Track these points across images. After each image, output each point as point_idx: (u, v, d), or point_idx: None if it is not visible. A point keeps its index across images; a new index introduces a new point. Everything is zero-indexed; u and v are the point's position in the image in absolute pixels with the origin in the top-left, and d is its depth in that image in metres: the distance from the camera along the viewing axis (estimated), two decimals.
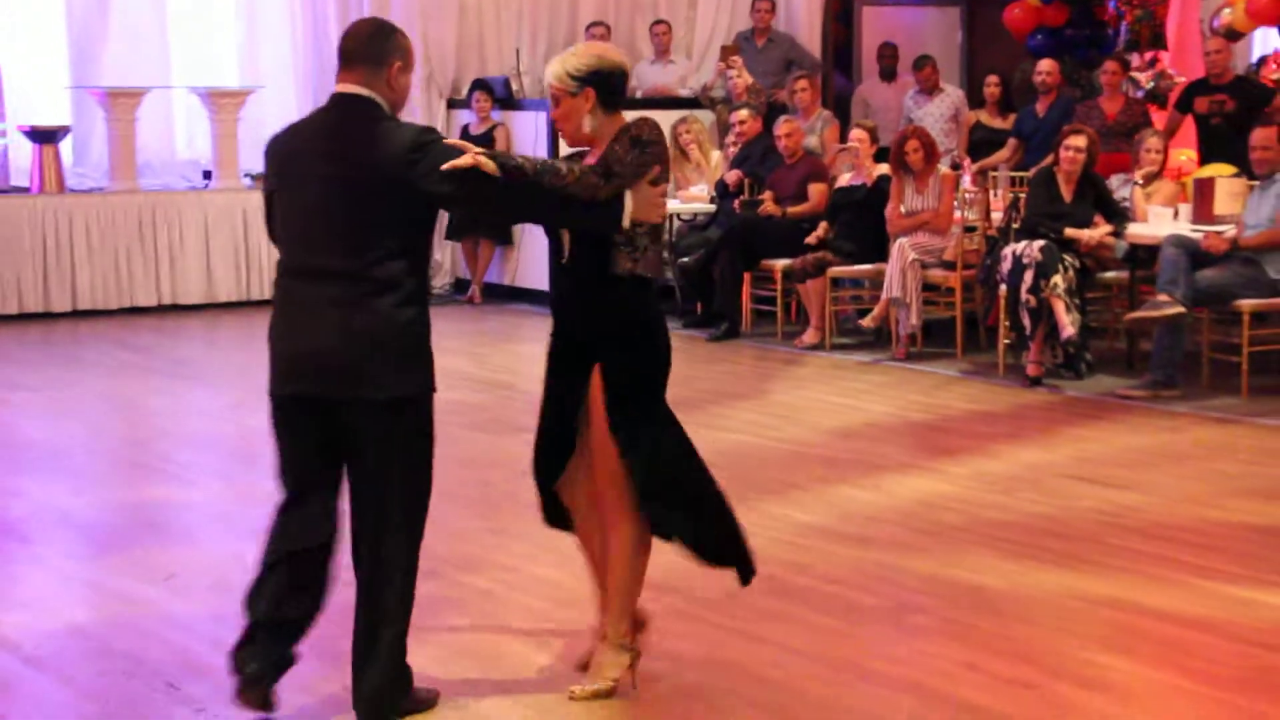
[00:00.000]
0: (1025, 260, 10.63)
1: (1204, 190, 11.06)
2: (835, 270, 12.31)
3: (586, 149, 5.34)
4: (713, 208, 13.67)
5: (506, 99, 15.11)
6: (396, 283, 5.01)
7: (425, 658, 5.55)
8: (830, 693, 5.40)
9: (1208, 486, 8.18)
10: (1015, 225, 11.26)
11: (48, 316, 14.10)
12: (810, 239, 12.38)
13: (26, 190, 14.35)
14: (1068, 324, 10.53)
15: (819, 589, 6.53)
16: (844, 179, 12.75)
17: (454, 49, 15.68)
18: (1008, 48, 15.76)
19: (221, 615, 6.18)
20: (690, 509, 5.52)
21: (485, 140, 14.73)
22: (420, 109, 15.46)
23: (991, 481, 8.28)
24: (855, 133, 12.76)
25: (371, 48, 5.09)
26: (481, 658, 5.73)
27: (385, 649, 5.08)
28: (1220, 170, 11.55)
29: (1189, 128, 12.78)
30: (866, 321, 12.09)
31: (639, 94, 15.50)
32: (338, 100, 5.12)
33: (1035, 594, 6.45)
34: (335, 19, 15.39)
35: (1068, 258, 10.66)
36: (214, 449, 9.46)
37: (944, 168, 12.36)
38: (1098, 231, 10.89)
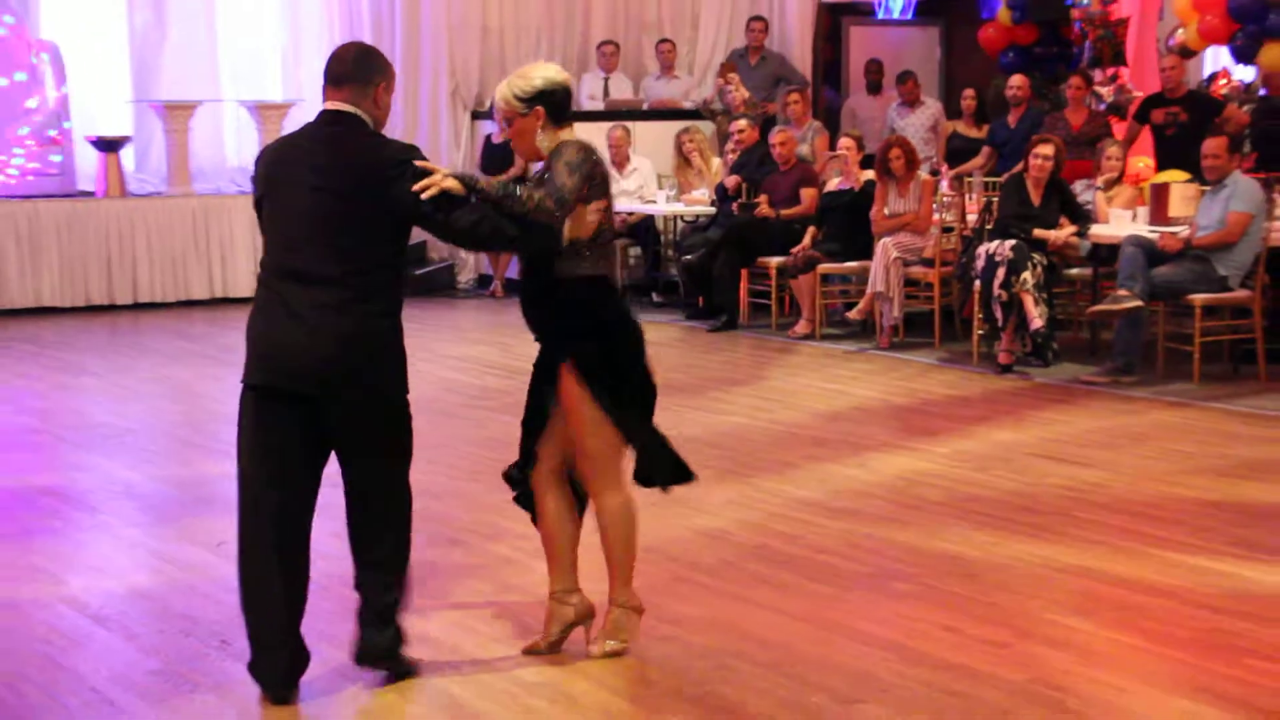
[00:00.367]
0: (997, 258, 10.62)
1: (1160, 195, 11.05)
2: (825, 267, 12.30)
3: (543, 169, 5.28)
4: (713, 210, 13.66)
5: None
6: (377, 291, 4.96)
7: (450, 621, 5.56)
8: (822, 652, 5.39)
9: (1165, 464, 8.17)
10: (988, 226, 11.26)
11: (112, 309, 14.10)
12: (800, 245, 12.35)
13: (93, 194, 14.35)
14: (1036, 316, 10.52)
15: (810, 558, 6.52)
16: (833, 184, 12.74)
17: (478, 65, 15.66)
18: (982, 64, 15.72)
19: None
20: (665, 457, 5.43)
21: (506, 149, 14.71)
22: (447, 120, 15.49)
23: (968, 460, 8.27)
24: (843, 141, 12.76)
25: (358, 69, 5.05)
26: (504, 620, 5.72)
27: (394, 615, 5.12)
28: (1175, 176, 11.53)
29: (1146, 138, 12.76)
30: (853, 314, 12.09)
31: (646, 106, 15.51)
32: (327, 116, 5.05)
33: (1008, 562, 6.44)
34: (369, 39, 15.37)
35: (1036, 256, 10.65)
36: None
37: (924, 174, 12.35)
38: (1063, 232, 10.87)
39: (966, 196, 12.45)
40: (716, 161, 14.30)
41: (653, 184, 14.47)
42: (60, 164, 14.32)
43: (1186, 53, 13.29)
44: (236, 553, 5.05)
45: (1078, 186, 11.69)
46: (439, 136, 15.52)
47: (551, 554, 5.42)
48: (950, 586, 6.12)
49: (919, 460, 8.28)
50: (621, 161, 14.37)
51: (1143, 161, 12.51)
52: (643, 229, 14.33)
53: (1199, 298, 10.15)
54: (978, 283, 10.79)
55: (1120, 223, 11.02)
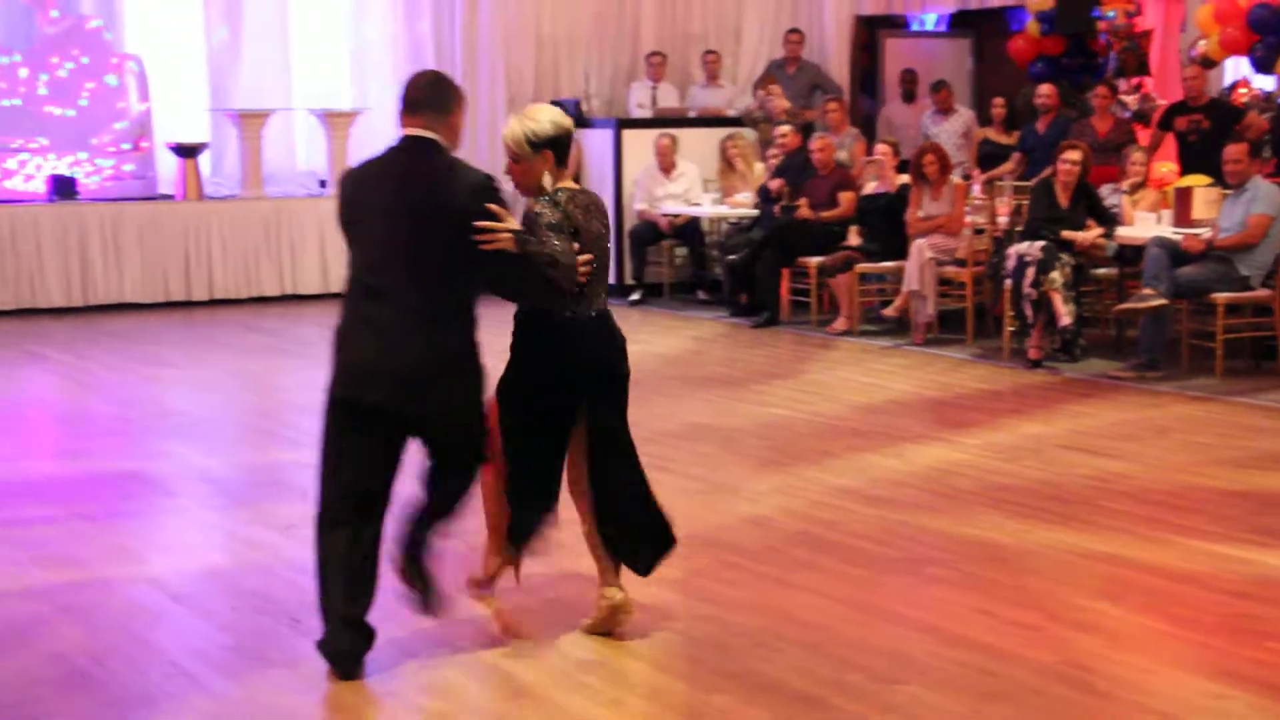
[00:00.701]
0: (1027, 259, 10.55)
1: (1183, 198, 10.96)
2: (862, 266, 12.25)
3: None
4: (755, 212, 13.62)
5: (578, 118, 15.06)
6: (455, 311, 4.98)
7: (506, 601, 5.54)
8: (859, 633, 5.37)
9: (1188, 456, 8.10)
10: (1018, 228, 11.19)
11: (189, 304, 14.16)
12: (846, 243, 12.31)
13: (172, 197, 14.41)
14: (1064, 314, 10.45)
15: (848, 543, 6.49)
16: (870, 188, 12.69)
17: (532, 75, 15.66)
18: (1012, 74, 15.61)
19: None
20: None
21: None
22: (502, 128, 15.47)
23: (999, 451, 8.22)
24: (880, 147, 12.72)
25: (436, 96, 5.07)
26: (557, 600, 5.72)
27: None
28: (1197, 180, 11.43)
29: (1170, 144, 12.66)
30: (889, 311, 12.04)
31: (692, 113, 15.46)
32: (407, 141, 5.05)
33: (1037, 549, 6.40)
34: (431, 50, 15.40)
35: (1064, 256, 10.57)
36: None
37: (956, 178, 12.29)
38: (1090, 234, 10.79)
39: (997, 200, 12.37)
40: (759, 166, 14.26)
41: (698, 188, 14.44)
42: (142, 169, 14.39)
43: (1208, 63, 13.16)
44: (315, 536, 5.05)
45: (1104, 190, 11.59)
46: (495, 144, 15.51)
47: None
48: (983, 571, 6.09)
49: (952, 451, 8.23)
50: (669, 166, 14.35)
51: (1166, 166, 12.41)
52: (689, 230, 14.30)
53: (1221, 296, 10.06)
54: (1008, 282, 10.73)
55: (1145, 225, 10.93)
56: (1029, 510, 6.99)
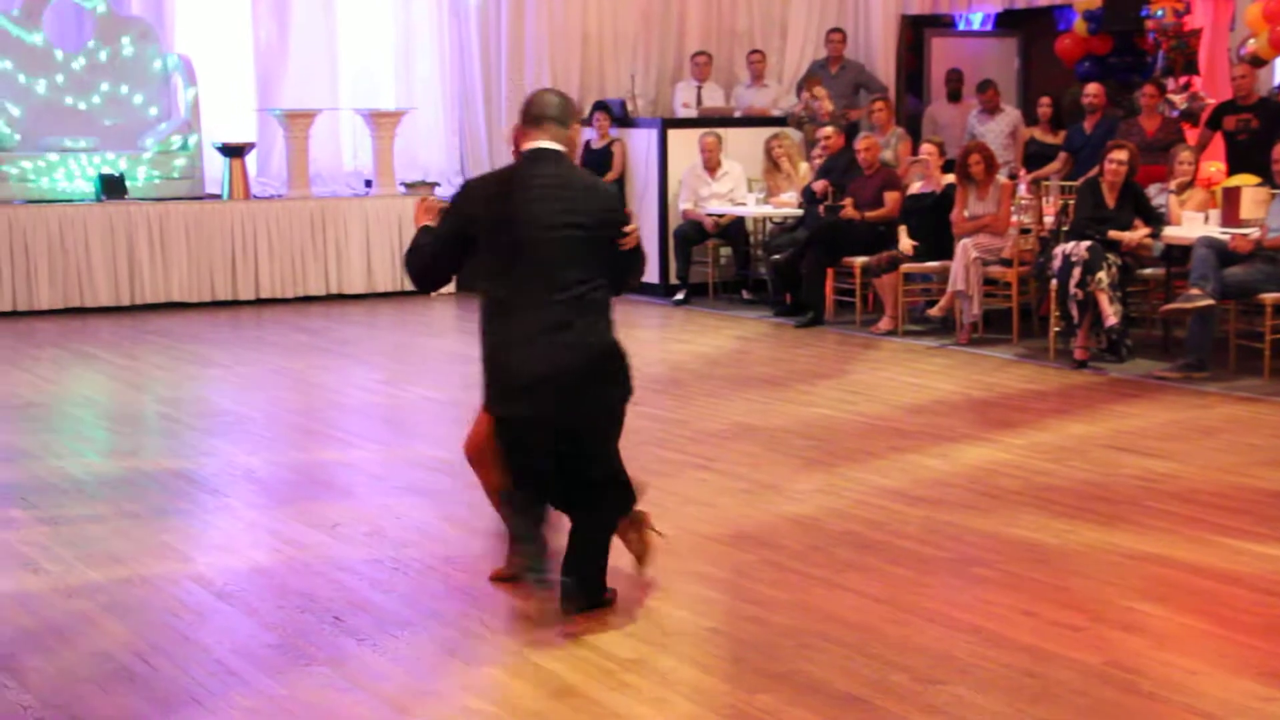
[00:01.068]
0: (1073, 258, 10.50)
1: (1231, 198, 10.88)
2: (907, 266, 12.21)
3: None
4: (800, 212, 13.60)
5: (623, 118, 15.08)
6: (606, 307, 5.33)
7: (547, 599, 5.54)
8: (903, 633, 5.35)
9: (1235, 457, 8.04)
10: (1065, 228, 11.14)
11: (235, 304, 14.25)
12: (898, 245, 12.26)
13: (219, 197, 14.51)
14: (1110, 314, 10.40)
15: (893, 544, 6.47)
16: (915, 187, 12.65)
17: (578, 75, 15.68)
18: (1059, 73, 15.55)
19: (378, 559, 6.24)
20: None
21: (605, 154, 14.73)
22: None
23: (1044, 451, 8.17)
24: (925, 147, 12.67)
25: (561, 112, 5.38)
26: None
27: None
28: (1246, 180, 11.35)
29: (1218, 143, 12.57)
30: (934, 311, 12.00)
31: (737, 113, 15.45)
32: (547, 154, 5.30)
33: (1083, 550, 6.36)
34: (477, 52, 15.46)
35: (1111, 256, 10.52)
36: (371, 417, 9.51)
37: (1002, 178, 12.23)
38: (1137, 233, 10.74)
39: (1043, 199, 12.32)
40: (804, 166, 14.23)
41: (743, 187, 14.43)
42: (189, 169, 14.48)
43: (1257, 61, 13.06)
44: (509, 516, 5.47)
45: (1151, 190, 11.53)
46: None
47: None
48: (1027, 572, 6.05)
49: (997, 451, 8.19)
50: (713, 166, 14.34)
51: (1214, 166, 12.33)
52: (733, 230, 14.28)
53: (1269, 297, 9.98)
54: (1054, 282, 10.68)
55: (1192, 225, 10.86)
56: (1074, 511, 6.95)
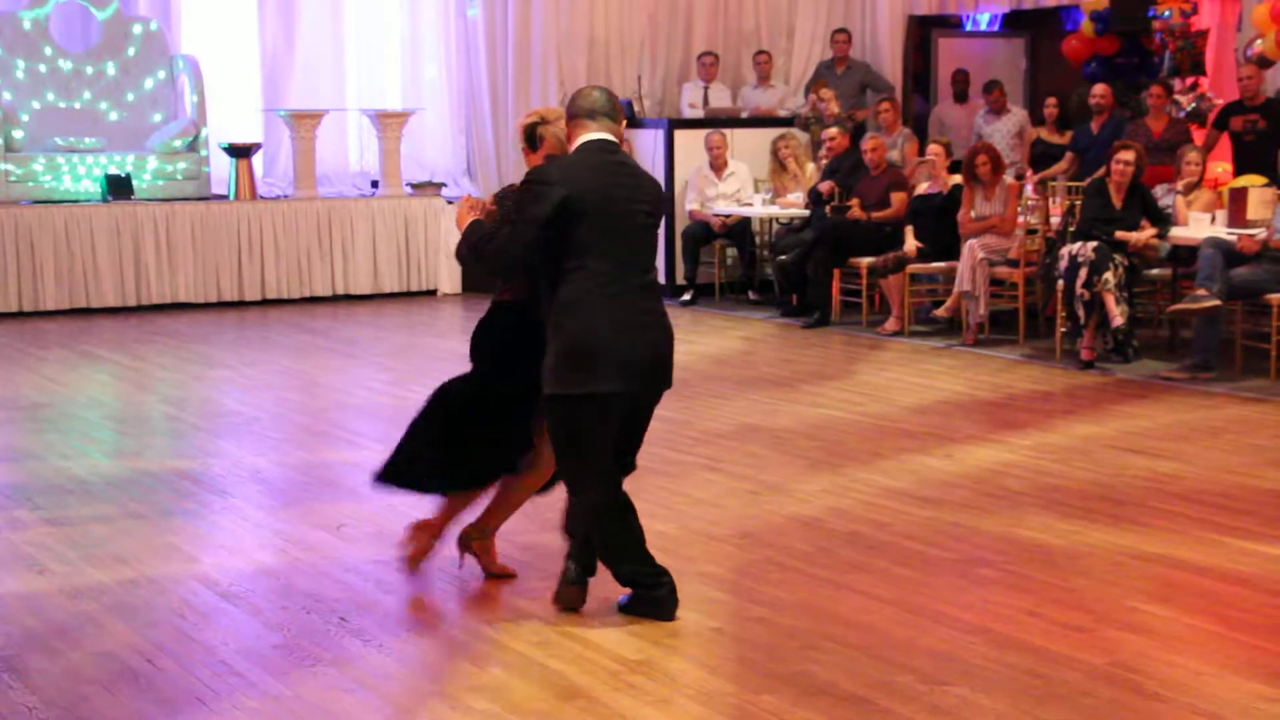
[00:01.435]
0: (1080, 259, 10.50)
1: (1238, 198, 10.86)
2: (913, 267, 12.21)
3: None
4: (807, 213, 13.59)
5: (630, 118, 15.06)
6: (660, 294, 5.56)
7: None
8: (909, 634, 5.35)
9: (1241, 458, 8.03)
10: (1071, 228, 11.13)
11: (241, 304, 14.26)
12: (905, 246, 12.25)
13: (225, 197, 14.52)
14: (1117, 315, 10.39)
15: (899, 544, 6.47)
16: (922, 188, 12.65)
17: (585, 75, 15.66)
18: (1065, 73, 15.54)
19: (383, 560, 6.25)
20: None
21: None
22: None
23: (1050, 452, 8.17)
24: (932, 148, 12.67)
25: (613, 107, 5.54)
26: (607, 600, 5.71)
27: None
28: (1253, 181, 11.33)
29: (1225, 144, 12.56)
30: (940, 312, 11.99)
31: (744, 113, 15.44)
32: (611, 145, 5.48)
33: (1088, 550, 6.36)
34: (484, 52, 15.44)
35: (1117, 257, 10.52)
36: (377, 417, 9.51)
37: (1009, 178, 12.23)
38: (1144, 234, 10.73)
39: (1050, 200, 12.31)
40: (811, 166, 14.24)
41: (749, 188, 14.43)
42: (195, 169, 14.50)
43: (1264, 62, 13.04)
44: (595, 524, 5.47)
45: (1158, 191, 11.52)
46: None
47: None
48: (1033, 573, 6.05)
49: (1003, 452, 8.19)
50: (720, 166, 14.34)
51: (1221, 167, 12.31)
52: (739, 230, 14.28)
53: (1276, 297, 9.97)
54: (1061, 282, 10.67)
55: (1199, 225, 10.84)
56: (1080, 512, 6.95)
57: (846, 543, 6.50)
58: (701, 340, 12.13)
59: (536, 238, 5.28)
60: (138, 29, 14.56)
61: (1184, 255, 10.95)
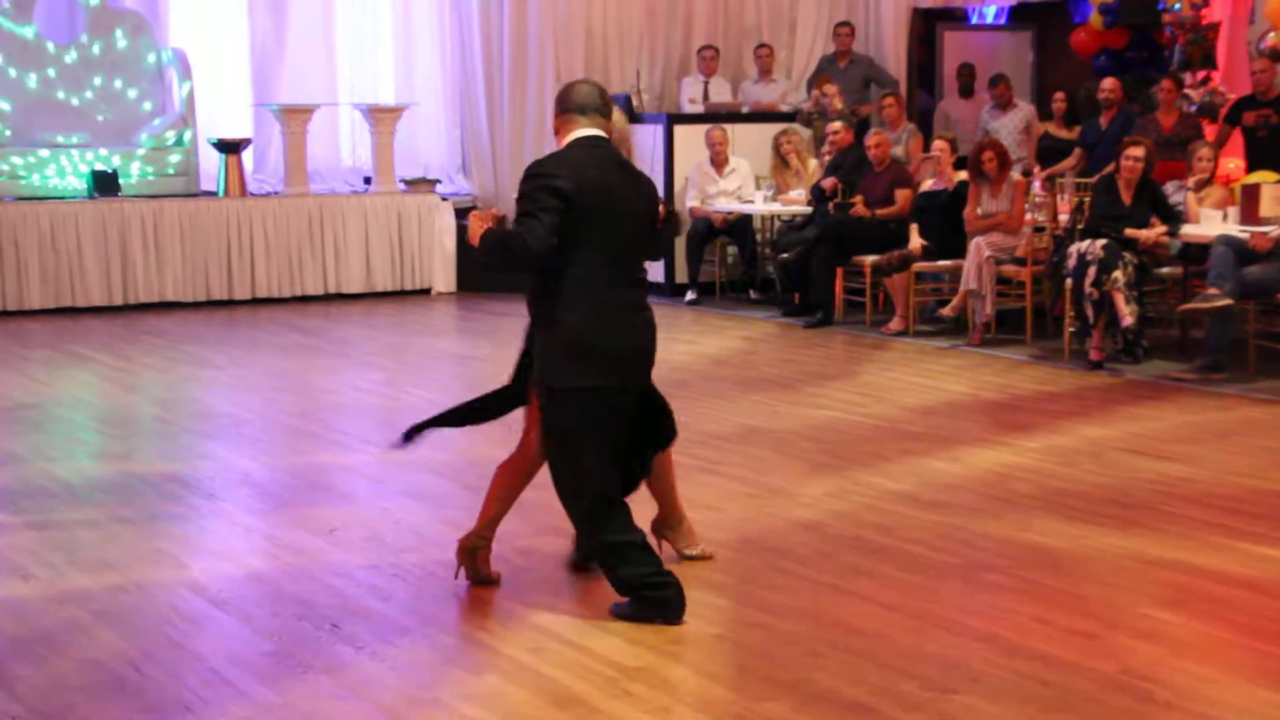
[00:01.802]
0: (1089, 257, 10.50)
1: (1250, 195, 10.86)
2: (919, 265, 12.22)
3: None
4: (810, 210, 13.59)
5: (629, 113, 15.07)
6: (647, 290, 5.71)
7: (552, 607, 5.55)
8: (913, 641, 5.35)
9: (1253, 460, 8.03)
10: (1080, 226, 11.13)
11: (231, 303, 14.26)
12: (909, 245, 12.25)
13: (214, 194, 14.52)
14: (1127, 314, 10.39)
15: (903, 549, 6.47)
16: (927, 185, 12.65)
17: (582, 69, 15.65)
18: (1074, 67, 15.54)
19: (377, 565, 6.25)
20: None
21: None
22: (551, 122, 15.48)
23: (1058, 454, 8.17)
24: (937, 144, 12.67)
25: (604, 103, 5.69)
26: (605, 606, 5.71)
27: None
28: (1265, 177, 11.34)
29: (1237, 139, 12.57)
30: (946, 311, 11.99)
31: (745, 108, 15.44)
32: (603, 140, 5.63)
33: (1096, 555, 6.36)
34: (479, 46, 15.45)
35: (1127, 255, 10.52)
36: (369, 419, 9.52)
37: (1016, 175, 12.23)
38: (1154, 231, 10.73)
39: (1058, 197, 12.32)
40: (813, 163, 14.24)
41: (750, 184, 14.43)
42: (184, 165, 14.49)
43: (1277, 56, 13.05)
44: (602, 522, 5.55)
45: (1169, 187, 11.52)
46: (544, 137, 15.54)
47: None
48: (1040, 578, 6.05)
49: (1010, 454, 8.19)
50: (720, 162, 14.33)
51: (1233, 163, 12.32)
52: (739, 228, 14.28)
53: None
54: (1069, 281, 10.67)
55: (1211, 223, 10.84)
56: (1088, 515, 6.95)
57: (849, 547, 6.50)
58: (701, 340, 12.13)
59: (558, 224, 5.39)
60: (125, 22, 14.55)
61: (1195, 253, 10.95)
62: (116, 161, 14.19)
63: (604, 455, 5.53)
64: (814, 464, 8.00)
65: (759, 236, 14.59)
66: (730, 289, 14.75)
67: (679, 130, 14.78)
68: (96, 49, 14.46)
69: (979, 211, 11.88)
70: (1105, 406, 9.47)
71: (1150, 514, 6.99)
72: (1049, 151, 14.04)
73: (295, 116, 14.62)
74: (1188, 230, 10.87)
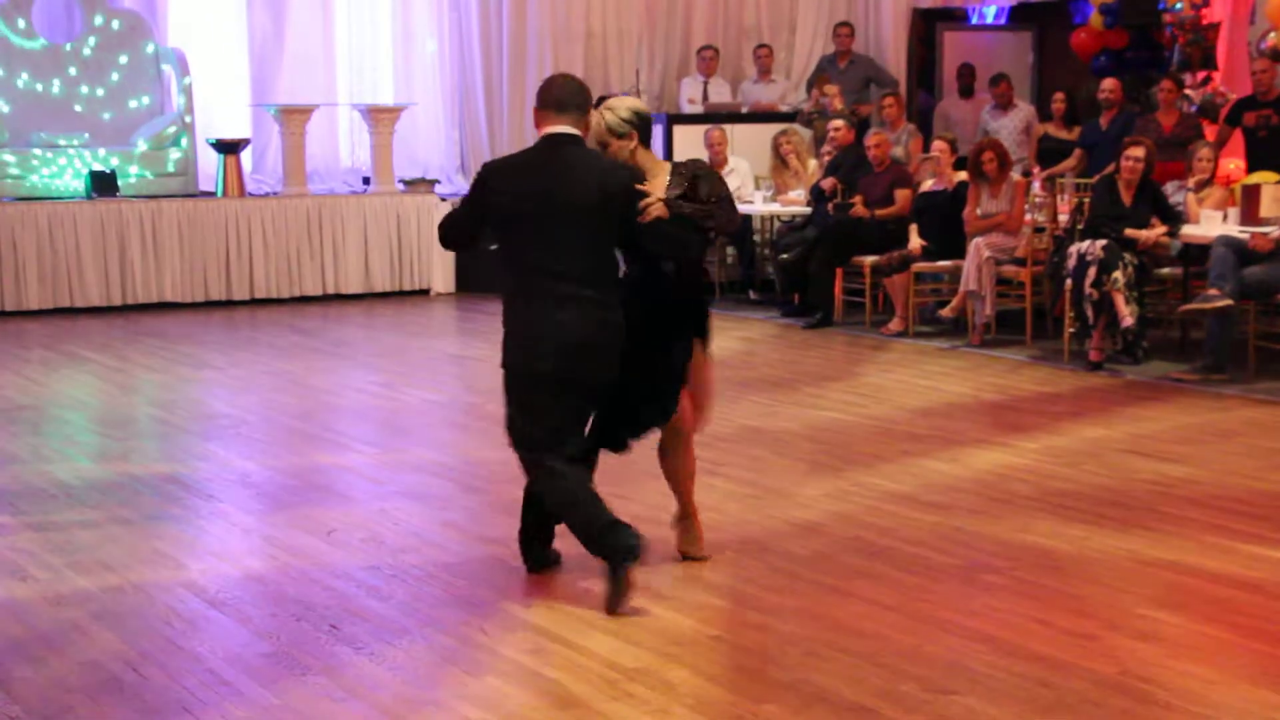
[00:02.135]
0: (1089, 258, 10.50)
1: (1251, 195, 10.86)
2: (918, 266, 12.22)
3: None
4: (809, 210, 13.59)
5: None
6: (605, 287, 5.77)
7: (550, 608, 5.56)
8: (913, 642, 5.35)
9: (1254, 461, 8.03)
10: (1080, 226, 11.13)
11: (229, 304, 14.26)
12: (909, 246, 12.25)
13: (212, 194, 14.52)
14: (1127, 315, 10.40)
15: (903, 550, 6.47)
16: (927, 185, 12.65)
17: (581, 70, 15.65)
18: (1074, 68, 15.54)
19: (375, 566, 6.25)
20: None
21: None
22: None
23: (1058, 455, 8.17)
24: (937, 144, 12.67)
25: (579, 99, 5.83)
26: (603, 607, 5.72)
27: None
28: (1266, 177, 11.34)
29: (1238, 140, 12.57)
30: (946, 312, 11.99)
31: (744, 109, 15.45)
32: (565, 139, 5.77)
33: (1097, 556, 6.36)
34: (478, 47, 15.47)
35: (1127, 255, 10.52)
36: (368, 420, 9.52)
37: (1016, 175, 12.23)
38: (1154, 232, 10.73)
39: (1058, 197, 12.32)
40: (813, 163, 14.24)
41: (750, 185, 14.43)
42: (182, 166, 14.50)
43: (1278, 56, 13.06)
44: (538, 483, 5.86)
45: (1169, 188, 11.53)
46: None
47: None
48: (1040, 579, 6.05)
49: (1010, 455, 8.19)
50: (720, 162, 14.32)
51: (1234, 163, 12.32)
52: (739, 228, 14.26)
53: None
54: (1069, 281, 10.67)
55: (1211, 223, 10.84)
56: (1088, 516, 6.95)
57: (848, 548, 6.50)
58: None
59: (472, 215, 5.91)
60: (124, 22, 14.55)
61: (1195, 254, 10.96)
62: (115, 162, 14.19)
63: (536, 423, 5.80)
64: (813, 465, 8.00)
65: (758, 237, 14.59)
66: (729, 289, 14.75)
67: (678, 130, 14.79)
68: (95, 49, 14.45)
69: (979, 212, 11.88)
70: (1105, 407, 9.47)
71: (1150, 515, 6.99)
72: (1049, 152, 14.04)
73: (294, 117, 14.62)
74: (1188, 231, 10.87)
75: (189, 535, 6.88)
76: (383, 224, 14.86)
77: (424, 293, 15.07)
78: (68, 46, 14.41)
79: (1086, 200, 11.42)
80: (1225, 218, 10.91)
